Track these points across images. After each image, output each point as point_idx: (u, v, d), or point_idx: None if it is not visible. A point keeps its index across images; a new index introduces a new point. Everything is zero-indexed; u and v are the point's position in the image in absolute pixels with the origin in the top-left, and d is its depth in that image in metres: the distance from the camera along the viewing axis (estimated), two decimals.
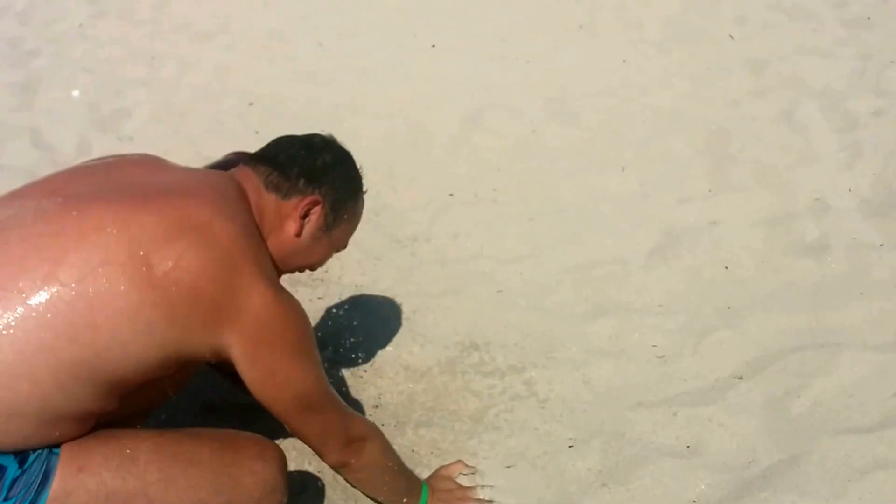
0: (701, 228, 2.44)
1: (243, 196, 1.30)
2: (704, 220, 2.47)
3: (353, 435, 1.35)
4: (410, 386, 1.96)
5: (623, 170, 2.78)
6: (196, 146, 3.00)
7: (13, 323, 1.05)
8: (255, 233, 1.28)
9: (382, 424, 1.75)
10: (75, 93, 3.45)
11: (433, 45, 3.73)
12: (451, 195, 2.72)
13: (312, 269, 1.47)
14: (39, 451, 1.12)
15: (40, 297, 1.06)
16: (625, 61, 3.50)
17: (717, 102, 3.12)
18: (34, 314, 1.06)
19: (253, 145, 1.75)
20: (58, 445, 1.14)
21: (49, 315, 1.06)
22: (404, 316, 2.19)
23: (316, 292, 2.26)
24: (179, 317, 1.12)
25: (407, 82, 3.47)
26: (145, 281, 1.09)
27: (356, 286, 2.30)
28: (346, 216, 1.42)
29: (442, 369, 2.00)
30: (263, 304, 1.18)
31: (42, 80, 3.58)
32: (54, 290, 1.06)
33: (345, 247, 1.50)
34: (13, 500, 1.08)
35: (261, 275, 1.20)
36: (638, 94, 3.24)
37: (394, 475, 1.47)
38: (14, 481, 1.08)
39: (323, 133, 1.45)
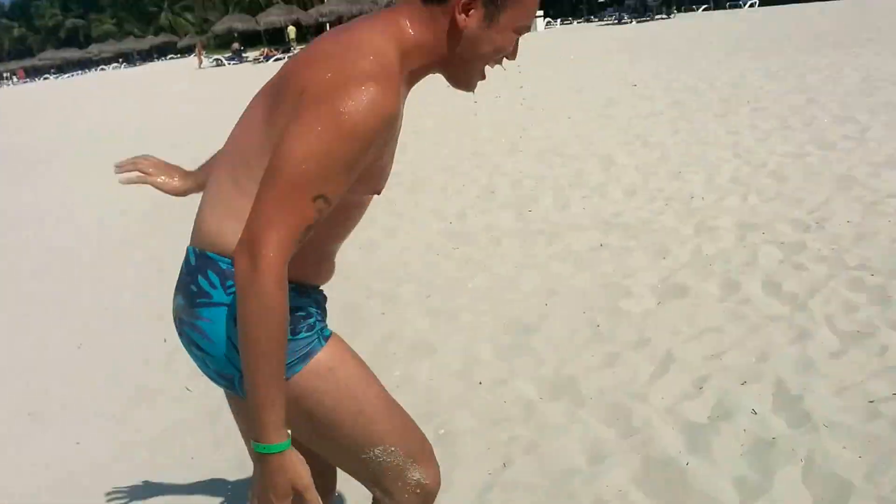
0: None
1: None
2: None
3: (264, 245, 1.18)
4: None
5: None
6: None
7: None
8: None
9: None
10: None
11: None
12: None
13: (497, 60, 1.41)
14: (312, 332, 1.40)
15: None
16: None
17: None
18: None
19: None
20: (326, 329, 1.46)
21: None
22: None
23: None
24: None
25: None
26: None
27: None
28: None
29: None
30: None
31: None
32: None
33: (528, 29, 1.41)
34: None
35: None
36: None
37: (264, 351, 1.20)
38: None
39: None
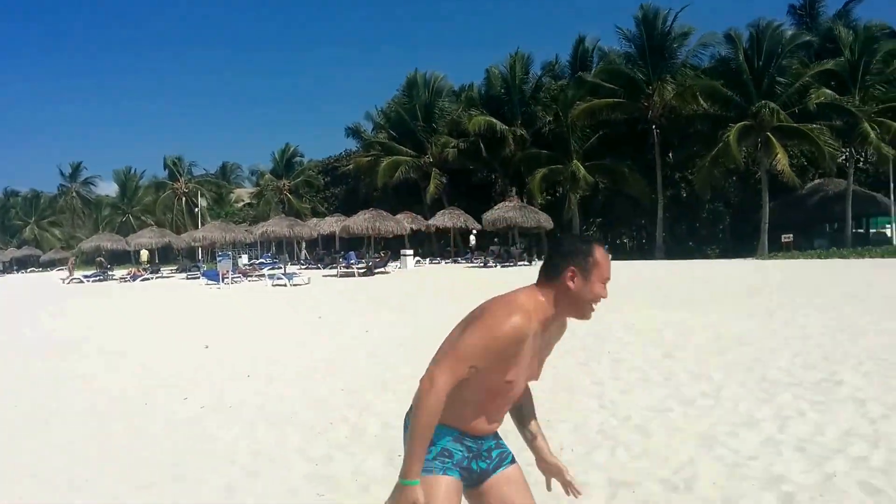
0: None
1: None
2: None
3: (437, 376, 2.26)
4: None
5: None
6: None
7: None
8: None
9: None
10: None
11: None
12: None
13: (596, 300, 2.42)
14: (443, 465, 2.41)
15: None
16: None
17: None
18: None
19: None
20: None
21: None
22: None
23: None
24: None
25: None
26: None
27: None
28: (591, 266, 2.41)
29: None
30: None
31: None
32: None
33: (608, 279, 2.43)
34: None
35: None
36: None
37: (421, 430, 2.25)
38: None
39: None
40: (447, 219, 38.93)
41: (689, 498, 4.13)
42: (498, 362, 2.31)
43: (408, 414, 2.44)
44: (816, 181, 38.28)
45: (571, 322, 2.52)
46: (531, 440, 2.70)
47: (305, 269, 36.13)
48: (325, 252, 42.18)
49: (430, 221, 39.54)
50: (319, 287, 24.26)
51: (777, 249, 32.30)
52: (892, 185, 33.47)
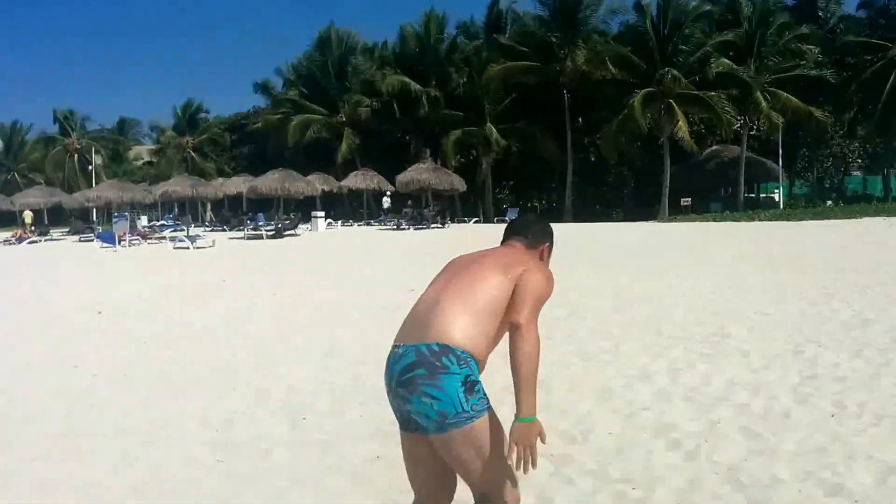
0: None
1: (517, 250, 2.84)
2: None
3: (533, 327, 2.45)
4: None
5: None
6: None
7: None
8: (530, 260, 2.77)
9: None
10: None
11: None
12: None
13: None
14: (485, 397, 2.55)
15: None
16: None
17: None
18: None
19: None
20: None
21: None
22: None
23: None
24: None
25: None
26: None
27: None
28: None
29: None
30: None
31: None
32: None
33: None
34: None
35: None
36: None
37: (535, 373, 2.46)
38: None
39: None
40: (360, 180, 38.56)
41: (586, 448, 4.28)
42: None
43: (414, 364, 2.43)
44: (714, 147, 39.81)
45: None
46: None
47: (210, 231, 35.16)
48: (232, 214, 41.09)
49: (343, 183, 39.08)
50: (225, 250, 23.68)
51: (676, 213, 33.56)
52: (780, 151, 35.18)
